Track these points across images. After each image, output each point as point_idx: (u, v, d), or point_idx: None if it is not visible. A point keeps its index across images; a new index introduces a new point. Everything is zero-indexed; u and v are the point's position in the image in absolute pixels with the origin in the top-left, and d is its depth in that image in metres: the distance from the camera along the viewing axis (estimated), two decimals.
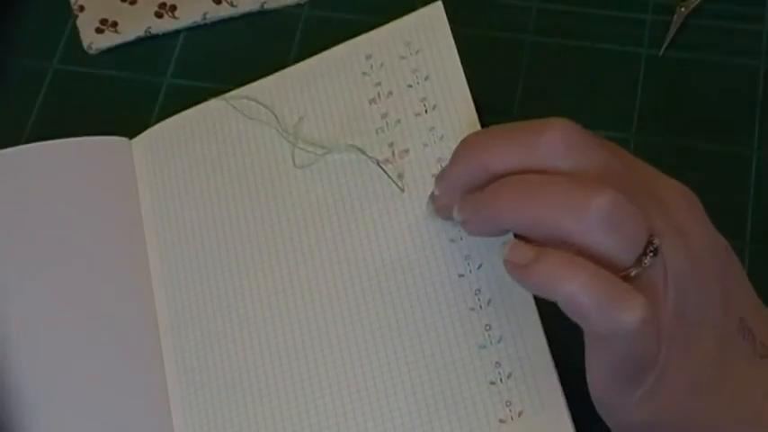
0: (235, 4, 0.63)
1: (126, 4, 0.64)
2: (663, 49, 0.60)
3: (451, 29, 0.52)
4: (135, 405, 0.50)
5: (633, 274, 0.39)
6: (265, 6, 0.63)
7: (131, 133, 0.57)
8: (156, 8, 0.63)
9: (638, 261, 0.39)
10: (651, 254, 0.39)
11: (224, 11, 0.63)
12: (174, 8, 0.63)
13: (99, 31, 0.63)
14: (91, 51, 0.63)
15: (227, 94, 0.56)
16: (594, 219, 0.38)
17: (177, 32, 0.63)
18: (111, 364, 0.51)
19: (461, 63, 0.51)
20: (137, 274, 0.53)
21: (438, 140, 0.50)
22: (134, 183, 0.55)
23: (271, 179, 0.53)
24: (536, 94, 0.59)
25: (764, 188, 0.55)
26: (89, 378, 0.50)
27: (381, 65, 0.53)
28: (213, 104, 0.56)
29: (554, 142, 0.40)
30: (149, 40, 0.63)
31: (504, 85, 0.59)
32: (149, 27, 0.63)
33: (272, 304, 0.50)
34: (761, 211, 0.55)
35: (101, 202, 0.55)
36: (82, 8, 0.64)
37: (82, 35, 0.63)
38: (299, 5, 0.63)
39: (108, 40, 0.63)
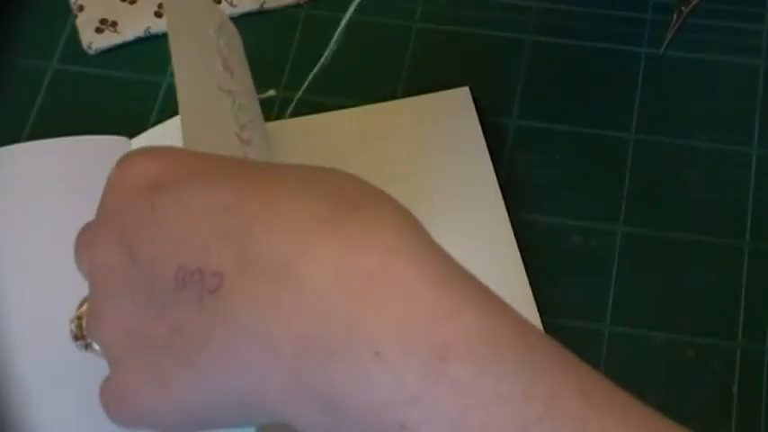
0: (235, 3, 0.63)
1: (126, 4, 0.64)
2: (663, 49, 0.60)
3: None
4: None
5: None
6: (265, 6, 0.63)
7: (131, 133, 0.57)
8: (156, 8, 0.63)
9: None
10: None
11: (224, 11, 0.63)
12: None
13: (99, 30, 0.63)
14: (91, 51, 0.63)
15: None
16: None
17: None
18: None
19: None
20: None
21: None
22: None
23: None
24: (536, 94, 0.59)
25: (764, 187, 0.55)
26: (89, 378, 0.50)
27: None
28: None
29: None
30: (149, 39, 0.63)
31: (504, 85, 0.59)
32: (149, 27, 0.63)
33: None
34: (761, 209, 0.55)
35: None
36: (81, 8, 0.64)
37: (82, 35, 0.63)
38: (298, 5, 0.63)
39: (108, 40, 0.63)
